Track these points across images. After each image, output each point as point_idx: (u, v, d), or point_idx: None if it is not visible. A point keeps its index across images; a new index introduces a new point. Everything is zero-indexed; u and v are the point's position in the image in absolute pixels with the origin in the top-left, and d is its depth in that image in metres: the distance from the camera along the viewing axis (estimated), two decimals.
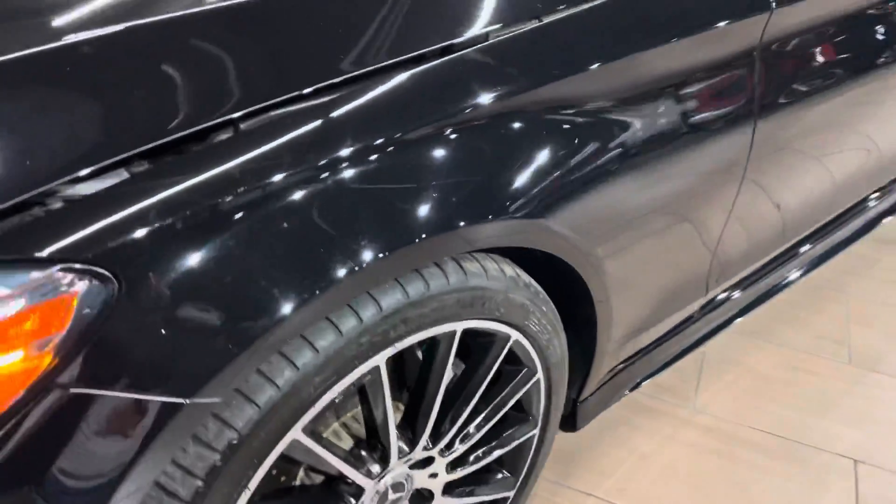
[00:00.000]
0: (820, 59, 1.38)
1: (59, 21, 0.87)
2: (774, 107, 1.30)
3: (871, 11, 1.49)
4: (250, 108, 0.83)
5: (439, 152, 0.91)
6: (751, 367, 1.95)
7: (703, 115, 1.21)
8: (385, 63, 0.91)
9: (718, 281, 1.53)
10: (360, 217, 0.83)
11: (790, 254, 1.78)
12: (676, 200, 1.24)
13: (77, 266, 0.71)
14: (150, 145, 0.77)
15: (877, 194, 2.06)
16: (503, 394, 1.14)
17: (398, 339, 0.92)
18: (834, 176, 1.65)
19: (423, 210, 0.87)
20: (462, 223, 0.89)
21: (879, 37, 1.52)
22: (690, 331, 1.60)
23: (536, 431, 1.25)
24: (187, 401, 0.74)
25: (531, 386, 1.17)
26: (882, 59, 1.54)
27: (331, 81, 0.87)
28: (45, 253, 0.70)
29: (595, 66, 1.03)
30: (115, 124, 0.80)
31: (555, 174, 1.01)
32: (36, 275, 0.70)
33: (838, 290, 2.27)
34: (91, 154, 0.76)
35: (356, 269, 0.81)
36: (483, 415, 1.13)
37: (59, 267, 0.70)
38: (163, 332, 0.73)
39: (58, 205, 0.73)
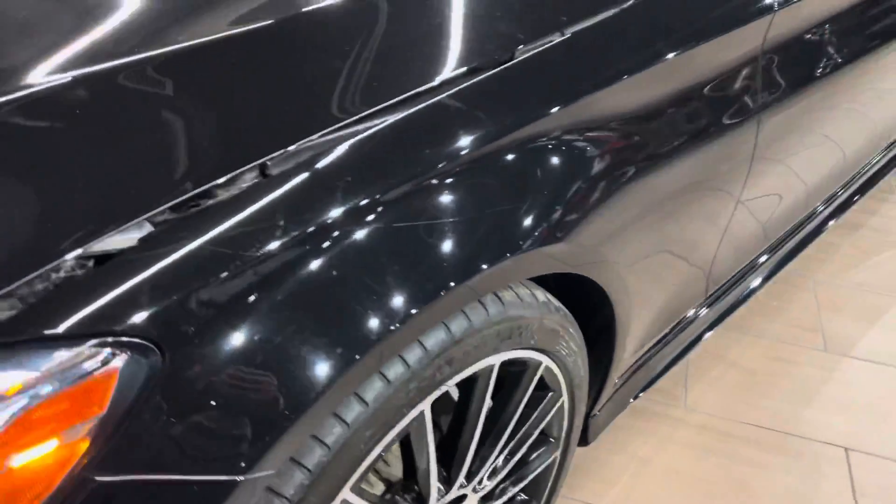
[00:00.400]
0: (817, 61, 1.38)
1: (56, 59, 0.78)
2: (775, 117, 1.29)
3: (866, 7, 1.51)
4: (280, 151, 0.75)
5: (478, 185, 0.85)
6: (733, 362, 1.97)
7: (708, 126, 1.18)
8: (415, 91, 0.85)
9: (714, 283, 1.53)
10: (407, 263, 0.77)
11: (772, 252, 1.80)
12: (686, 208, 1.22)
13: (111, 339, 0.63)
14: (185, 196, 0.68)
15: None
16: (531, 421, 1.10)
17: (443, 381, 0.86)
18: (815, 177, 1.67)
19: (472, 246, 0.82)
20: (520, 250, 0.85)
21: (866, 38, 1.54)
22: (685, 334, 1.59)
23: (558, 454, 1.22)
24: (242, 478, 0.67)
25: (556, 409, 1.14)
26: (863, 63, 1.56)
27: (366, 113, 0.81)
28: (65, 328, 0.62)
29: (618, 81, 0.99)
30: (134, 175, 0.71)
31: (583, 193, 0.97)
32: (63, 354, 0.61)
33: (804, 276, 2.31)
34: (110, 213, 0.67)
35: (397, 325, 0.75)
36: (512, 445, 1.09)
37: (92, 342, 0.62)
38: (213, 403, 0.65)
39: (79, 269, 0.64)
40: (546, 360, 1.04)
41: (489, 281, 0.86)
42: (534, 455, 1.17)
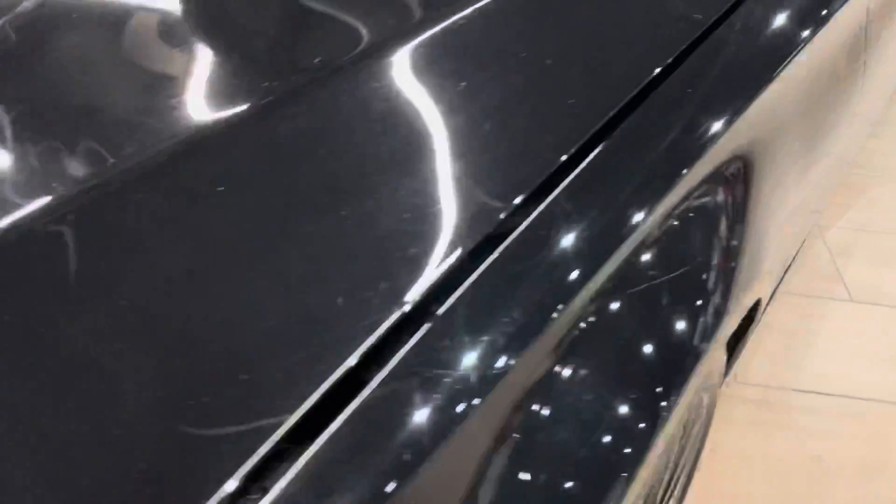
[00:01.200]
0: None
1: None
2: (872, 86, 1.16)
3: None
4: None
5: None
6: (767, 323, 1.89)
7: (828, 104, 1.05)
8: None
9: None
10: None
11: None
12: (808, 198, 1.08)
13: None
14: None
15: None
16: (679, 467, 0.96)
17: (659, 482, 0.70)
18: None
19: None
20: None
21: None
22: None
23: (686, 478, 1.09)
24: None
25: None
26: None
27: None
28: None
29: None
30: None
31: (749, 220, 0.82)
32: None
33: None
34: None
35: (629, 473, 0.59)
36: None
37: None
38: None
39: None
40: (704, 398, 0.90)
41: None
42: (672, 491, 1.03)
